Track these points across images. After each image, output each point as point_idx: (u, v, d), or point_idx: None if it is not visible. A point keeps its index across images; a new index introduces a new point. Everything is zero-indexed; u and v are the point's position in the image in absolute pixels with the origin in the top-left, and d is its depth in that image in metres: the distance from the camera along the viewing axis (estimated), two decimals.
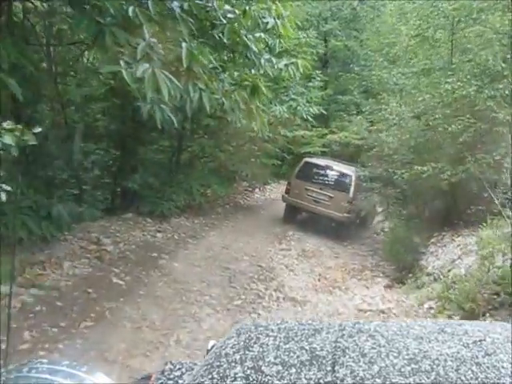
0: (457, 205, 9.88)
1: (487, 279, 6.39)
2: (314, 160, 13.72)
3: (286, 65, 7.55)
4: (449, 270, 7.91)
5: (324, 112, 15.13)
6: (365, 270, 10.97)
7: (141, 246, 9.09)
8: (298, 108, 13.33)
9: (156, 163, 13.51)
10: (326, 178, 13.14)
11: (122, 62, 4.71)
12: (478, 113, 8.67)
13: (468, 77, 8.91)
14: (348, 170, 13.34)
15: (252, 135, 13.73)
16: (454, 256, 8.31)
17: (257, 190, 16.79)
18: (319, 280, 9.84)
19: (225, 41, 6.59)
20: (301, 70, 7.61)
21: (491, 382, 1.35)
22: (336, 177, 13.18)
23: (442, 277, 7.82)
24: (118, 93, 10.85)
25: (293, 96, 13.76)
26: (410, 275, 9.62)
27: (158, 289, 7.26)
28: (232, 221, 13.46)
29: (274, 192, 18.96)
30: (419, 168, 9.06)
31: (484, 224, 7.41)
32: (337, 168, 13.32)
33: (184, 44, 5.29)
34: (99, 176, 12.41)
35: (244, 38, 6.68)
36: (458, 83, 8.80)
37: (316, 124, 17.38)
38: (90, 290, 6.60)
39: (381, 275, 10.57)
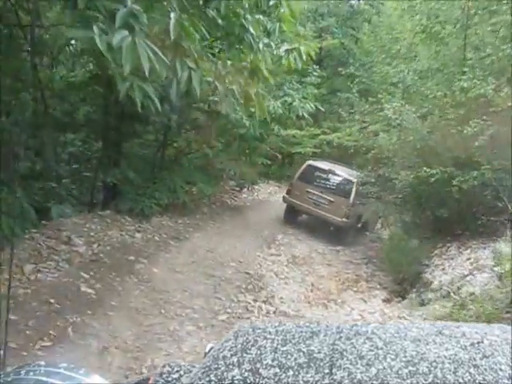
0: (463, 214, 9.07)
1: (511, 301, 5.58)
2: (317, 163, 13.69)
3: (287, 50, 6.69)
4: (459, 287, 7.09)
5: (321, 109, 14.31)
6: (360, 281, 10.19)
7: (117, 248, 8.14)
8: (294, 104, 12.47)
9: (140, 158, 12.64)
10: (327, 182, 13.12)
11: (95, 28, 3.82)
12: (495, 114, 7.86)
13: (486, 73, 8.09)
14: (350, 175, 13.19)
15: (242, 132, 12.99)
16: (464, 271, 7.51)
17: (245, 189, 15.98)
18: (312, 291, 9.04)
19: (219, 21, 5.74)
20: (304, 57, 6.74)
21: None
22: (338, 181, 13.13)
23: (452, 294, 7.00)
24: (101, 81, 10.03)
25: (288, 91, 12.93)
26: (412, 289, 8.82)
27: (134, 299, 6.34)
28: (218, 222, 12.60)
29: (263, 192, 18.22)
30: (428, 170, 8.26)
31: (502, 237, 6.59)
32: (339, 173, 13.26)
33: (173, 14, 4.42)
34: (77, 169, 11.54)
35: (241, 18, 5.83)
36: (474, 81, 7.99)
37: (310, 123, 16.58)
38: (52, 300, 5.64)
39: (378, 287, 9.79)
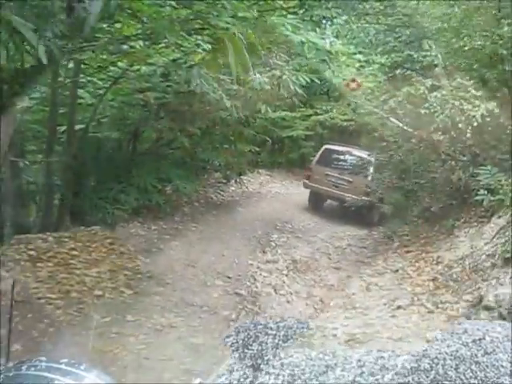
0: None
1: None
2: (334, 146, 14.12)
3: None
4: None
5: (316, 81, 12.45)
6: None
7: (59, 279, 6.02)
8: (284, 77, 10.46)
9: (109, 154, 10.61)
10: (344, 163, 13.53)
11: None
12: None
13: None
14: (366, 155, 12.89)
15: (224, 116, 11.22)
16: None
17: (232, 181, 14.07)
18: (323, 312, 7.15)
19: None
20: None
21: (490, 380, 1.44)
22: (354, 162, 13.31)
23: None
24: None
25: (276, 61, 10.89)
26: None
27: None
28: (201, 224, 10.59)
29: (253, 183, 16.30)
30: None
31: None
32: (355, 153, 13.40)
33: None
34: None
35: None
36: None
37: (303, 99, 14.63)
38: None
39: (402, 300, 7.82)
